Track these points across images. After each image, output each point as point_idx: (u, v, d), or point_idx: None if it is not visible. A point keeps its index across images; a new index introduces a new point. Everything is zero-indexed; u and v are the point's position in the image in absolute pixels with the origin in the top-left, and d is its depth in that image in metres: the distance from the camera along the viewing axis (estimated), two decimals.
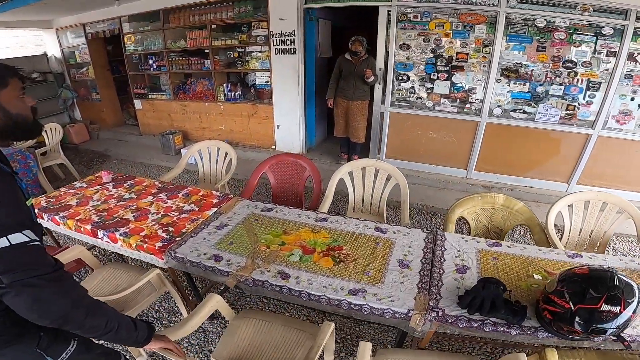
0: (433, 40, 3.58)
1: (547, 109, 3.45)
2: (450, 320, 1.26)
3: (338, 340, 1.96)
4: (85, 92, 6.35)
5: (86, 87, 6.31)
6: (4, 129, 0.89)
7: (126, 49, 5.44)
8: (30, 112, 0.95)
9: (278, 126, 4.79)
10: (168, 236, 1.78)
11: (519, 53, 3.35)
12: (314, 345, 1.26)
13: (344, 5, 3.91)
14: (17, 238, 0.78)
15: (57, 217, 2.00)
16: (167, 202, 2.14)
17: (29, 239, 0.81)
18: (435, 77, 3.70)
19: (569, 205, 2.07)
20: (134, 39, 5.34)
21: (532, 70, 3.37)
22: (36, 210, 2.01)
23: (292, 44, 4.23)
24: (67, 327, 0.86)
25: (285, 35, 4.23)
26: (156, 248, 1.69)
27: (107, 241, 1.86)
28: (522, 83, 3.44)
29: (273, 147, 4.96)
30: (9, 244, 0.77)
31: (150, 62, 5.37)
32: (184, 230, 1.83)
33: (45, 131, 4.22)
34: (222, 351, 1.44)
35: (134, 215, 1.98)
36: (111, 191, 2.32)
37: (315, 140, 5.11)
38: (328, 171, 3.41)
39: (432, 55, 3.63)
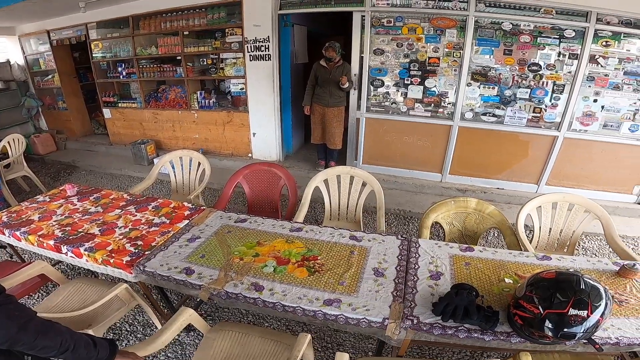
0: (406, 44, 3.64)
1: (515, 112, 3.57)
2: (425, 328, 1.25)
3: (319, 349, 1.94)
4: (51, 100, 6.08)
5: (52, 95, 6.04)
6: None
7: (93, 56, 5.24)
8: None
9: (254, 134, 4.73)
10: (136, 250, 1.71)
11: (488, 57, 3.45)
12: (290, 357, 1.23)
13: (318, 11, 3.93)
14: None
15: (17, 233, 1.90)
16: (135, 215, 2.06)
17: None
18: (409, 82, 3.76)
19: (537, 207, 2.12)
20: (102, 46, 5.16)
21: (500, 74, 3.48)
22: None
23: (267, 50, 4.20)
24: (18, 349, 0.85)
25: (259, 42, 4.19)
26: (124, 262, 1.63)
27: (71, 256, 1.77)
28: (492, 86, 3.54)
29: (249, 155, 4.89)
30: None
31: (120, 69, 5.19)
32: (153, 244, 1.76)
33: (8, 142, 4.01)
34: None
35: (99, 230, 1.89)
36: (76, 205, 2.21)
37: (292, 147, 5.08)
38: (306, 178, 3.37)
39: (406, 60, 3.69)
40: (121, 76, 5.22)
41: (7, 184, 3.70)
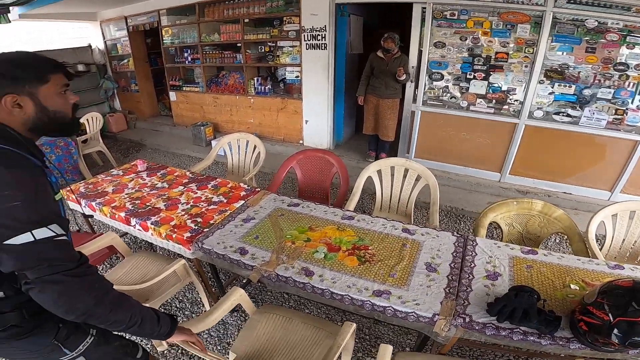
0: (470, 38, 3.43)
1: (593, 113, 3.22)
2: (477, 327, 1.21)
3: (356, 340, 1.94)
4: (125, 83, 6.61)
5: (126, 78, 6.57)
6: (37, 125, 0.87)
7: (164, 41, 5.60)
8: (71, 109, 0.92)
9: (306, 121, 4.79)
10: (196, 227, 1.81)
11: (566, 54, 3.14)
12: (333, 345, 1.24)
13: (376, 2, 3.83)
14: (42, 233, 0.76)
15: (93, 204, 2.07)
16: (196, 193, 2.19)
17: (54, 234, 0.78)
18: (472, 77, 3.55)
19: (612, 215, 1.93)
20: (171, 32, 5.50)
21: (579, 72, 3.15)
22: (74, 196, 2.11)
23: (323, 39, 4.21)
24: (91, 322, 0.86)
25: (316, 31, 4.21)
26: (184, 238, 1.73)
27: (139, 229, 1.91)
28: (568, 85, 3.23)
29: (300, 141, 4.97)
30: (33, 239, 0.75)
31: (186, 54, 5.52)
32: (211, 222, 1.86)
33: (87, 120, 4.45)
34: (241, 345, 1.45)
35: (165, 205, 2.04)
36: (145, 180, 2.40)
37: (343, 136, 5.07)
38: (355, 168, 3.37)
39: (468, 54, 3.49)
40: (186, 61, 5.55)
41: (83, 158, 4.11)
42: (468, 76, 3.56)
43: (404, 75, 3.64)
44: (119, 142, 5.89)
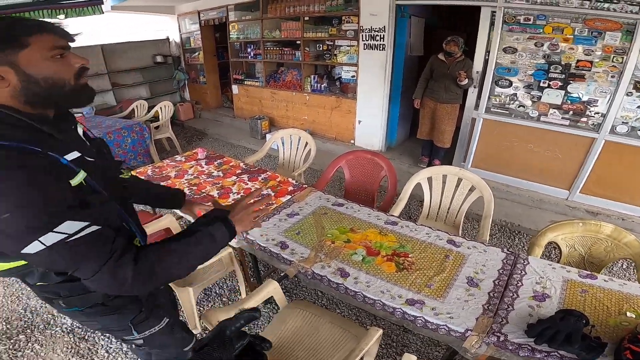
0: (548, 45, 3.14)
1: None
2: (510, 347, 1.15)
3: (382, 346, 1.92)
4: (195, 75, 7.11)
5: (196, 70, 7.05)
6: (30, 96, 0.73)
7: (230, 36, 5.91)
8: (72, 75, 0.77)
9: (359, 121, 4.76)
10: None
11: None
12: (355, 348, 1.24)
13: (440, 4, 3.65)
14: (51, 238, 0.67)
15: None
16: (247, 184, 2.29)
17: (66, 235, 0.69)
18: (546, 85, 3.25)
19: None
20: (237, 27, 5.78)
21: None
22: (143, 177, 2.31)
23: (382, 40, 4.14)
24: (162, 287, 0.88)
25: (375, 31, 4.15)
26: None
27: (194, 214, 2.05)
28: None
29: (352, 141, 4.96)
30: (44, 246, 0.68)
31: (249, 50, 5.77)
32: (258, 214, 1.93)
33: (160, 107, 4.89)
34: (267, 336, 1.48)
35: (218, 193, 2.17)
36: (203, 167, 2.57)
37: (396, 139, 4.95)
38: (406, 173, 3.29)
39: (544, 60, 3.19)
40: (249, 56, 5.81)
41: (154, 143, 4.51)
42: (542, 84, 3.27)
43: (466, 79, 3.45)
44: (185, 130, 6.37)
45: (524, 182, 3.64)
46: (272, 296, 1.54)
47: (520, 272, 1.48)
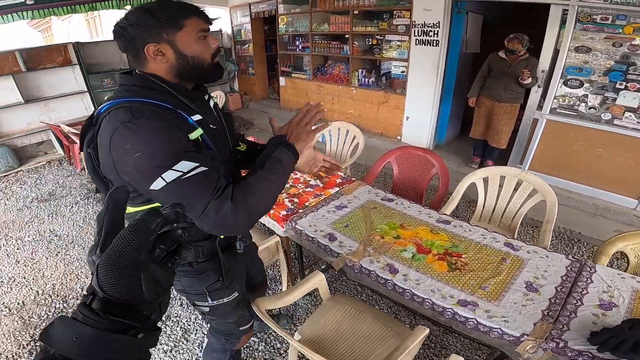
0: (627, 45, 2.85)
1: None
2: (569, 354, 1.08)
3: (421, 346, 1.86)
4: (244, 66, 7.30)
5: (245, 62, 7.23)
6: (181, 71, 0.88)
7: (279, 29, 5.98)
8: (210, 55, 0.91)
9: (407, 117, 4.64)
10: (292, 206, 1.93)
11: None
12: (400, 345, 1.22)
13: (504, 0, 3.42)
14: (170, 175, 0.78)
15: None
16: (296, 174, 2.32)
17: (181, 173, 0.78)
18: (622, 87, 2.95)
19: None
20: (286, 20, 5.83)
21: None
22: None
23: (435, 35, 3.98)
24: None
25: (428, 27, 4.00)
26: (280, 216, 1.85)
27: None
28: None
29: (398, 137, 4.85)
30: (165, 183, 0.78)
31: (297, 42, 5.81)
32: (307, 204, 1.95)
33: (214, 97, 5.09)
34: (308, 328, 1.51)
35: None
36: None
37: (445, 137, 4.77)
38: (455, 172, 3.16)
39: (622, 61, 2.90)
40: (297, 49, 5.85)
41: None
42: (618, 86, 2.97)
43: (529, 78, 3.23)
44: (233, 120, 6.58)
45: (588, 188, 3.35)
46: (315, 288, 1.55)
47: (586, 279, 1.39)
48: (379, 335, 1.45)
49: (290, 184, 2.19)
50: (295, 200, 2.00)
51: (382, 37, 4.63)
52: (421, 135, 4.56)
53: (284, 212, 1.87)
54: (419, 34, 4.12)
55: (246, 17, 6.56)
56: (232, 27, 7.05)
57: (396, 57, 4.53)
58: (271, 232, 1.98)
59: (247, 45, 6.98)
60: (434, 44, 4.03)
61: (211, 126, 0.95)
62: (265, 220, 1.96)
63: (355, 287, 2.31)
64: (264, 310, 1.29)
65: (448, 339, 1.94)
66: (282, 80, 6.35)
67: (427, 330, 1.28)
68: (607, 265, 1.61)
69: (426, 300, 1.33)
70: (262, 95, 7.31)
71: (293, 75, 6.13)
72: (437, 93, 4.26)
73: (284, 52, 6.19)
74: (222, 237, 1.10)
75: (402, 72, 4.55)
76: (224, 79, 7.36)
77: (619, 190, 3.20)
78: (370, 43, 4.87)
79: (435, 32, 3.97)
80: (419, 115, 4.49)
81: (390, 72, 4.82)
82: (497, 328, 1.19)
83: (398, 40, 4.44)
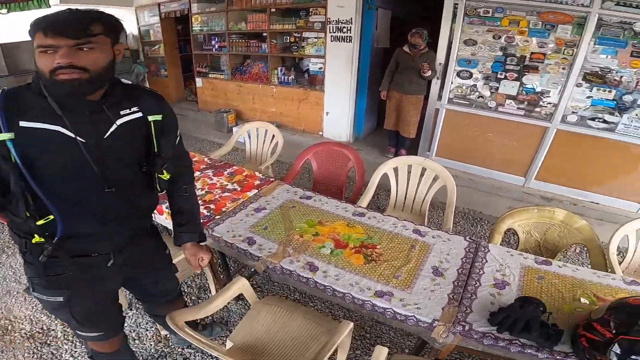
0: (505, 37, 3.28)
1: (632, 120, 3.02)
2: (475, 336, 1.18)
3: (356, 338, 1.93)
4: (155, 68, 6.79)
5: (156, 63, 6.74)
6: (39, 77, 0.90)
7: (193, 29, 5.69)
8: (48, 71, 0.84)
9: (327, 113, 4.76)
10: (209, 213, 1.84)
11: (609, 57, 2.95)
12: (327, 342, 1.23)
13: None
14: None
15: None
16: (212, 179, 2.22)
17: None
18: (503, 77, 3.40)
19: (638, 229, 1.81)
20: (201, 20, 5.57)
21: (621, 77, 2.95)
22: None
23: (349, 32, 4.15)
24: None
25: (342, 23, 4.15)
26: None
27: (155, 212, 1.95)
28: (608, 89, 3.03)
29: (320, 133, 4.96)
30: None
31: (213, 42, 5.59)
32: (224, 209, 1.88)
33: None
34: (238, 334, 1.47)
35: None
36: None
37: (363, 130, 5.00)
38: (373, 164, 3.32)
39: (501, 53, 3.34)
40: (214, 49, 5.63)
41: None
42: (499, 76, 3.41)
43: (429, 71, 3.54)
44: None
45: (485, 170, 3.80)
46: (242, 293, 1.50)
47: (481, 259, 1.53)
48: (311, 334, 1.45)
49: (206, 190, 2.09)
50: (212, 206, 1.91)
51: (299, 35, 4.67)
52: (341, 129, 4.73)
53: (200, 220, 1.77)
54: (334, 31, 4.25)
55: (155, 17, 6.14)
56: (139, 27, 6.56)
57: (314, 54, 4.61)
58: None
59: (157, 46, 6.51)
60: (348, 40, 4.20)
61: (80, 139, 0.92)
62: None
63: (288, 287, 2.30)
64: (182, 324, 1.20)
65: (381, 329, 2.02)
66: (199, 81, 6.04)
67: (352, 324, 1.31)
68: (505, 243, 1.82)
69: (346, 294, 1.36)
70: (177, 97, 6.88)
71: (210, 75, 5.88)
72: (352, 88, 4.44)
73: (200, 52, 5.91)
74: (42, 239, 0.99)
75: (320, 68, 4.65)
76: (132, 82, 6.73)
77: (509, 170, 3.70)
78: (288, 41, 4.88)
79: (349, 28, 4.12)
80: (338, 111, 4.65)
81: (309, 69, 4.89)
82: (412, 316, 1.26)
83: (315, 37, 4.52)
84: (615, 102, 3.03)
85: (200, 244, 1.39)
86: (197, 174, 2.29)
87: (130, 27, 6.58)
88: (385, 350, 1.19)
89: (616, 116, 3.07)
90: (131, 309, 2.11)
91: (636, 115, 2.99)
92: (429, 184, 2.26)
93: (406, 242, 1.65)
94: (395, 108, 3.98)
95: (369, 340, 1.94)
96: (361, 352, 1.87)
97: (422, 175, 2.29)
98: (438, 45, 3.63)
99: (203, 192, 2.06)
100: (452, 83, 3.65)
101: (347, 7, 4.03)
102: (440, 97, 3.77)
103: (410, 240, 1.66)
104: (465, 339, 1.19)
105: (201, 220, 1.43)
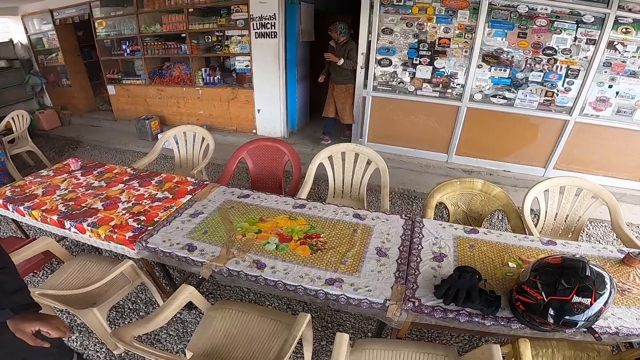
0: (416, 24, 3.53)
1: (526, 95, 3.47)
2: (426, 311, 1.24)
3: (319, 329, 1.95)
4: (55, 78, 6.04)
5: (56, 73, 6.00)
6: None
7: (97, 34, 5.18)
8: None
9: (259, 110, 4.69)
10: (139, 225, 1.70)
11: (501, 39, 3.34)
12: (288, 337, 1.23)
13: None
14: None
15: (21, 208, 1.89)
16: (139, 190, 2.05)
17: None
18: (418, 62, 3.66)
19: (545, 191, 2.07)
20: (106, 24, 5.10)
21: (512, 57, 3.37)
22: (0, 201, 1.94)
23: (273, 27, 4.11)
24: None
25: (265, 19, 4.11)
26: (126, 238, 1.62)
27: (74, 232, 1.77)
28: (503, 69, 3.44)
29: (254, 131, 4.86)
30: None
31: (124, 47, 5.14)
32: (156, 219, 1.75)
33: (12, 118, 4.01)
34: (197, 343, 1.40)
35: (103, 205, 1.89)
36: (79, 179, 2.20)
37: (297, 124, 5.03)
38: (310, 155, 3.33)
39: (415, 40, 3.59)
40: (125, 54, 5.18)
41: (12, 158, 3.70)
42: (415, 62, 3.67)
43: (340, 60, 3.82)
44: (53, 140, 5.36)
45: (412, 150, 4.09)
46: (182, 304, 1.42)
47: (418, 235, 1.62)
48: (271, 332, 1.43)
49: (133, 202, 1.92)
50: (142, 218, 1.76)
51: (222, 33, 4.51)
52: (274, 125, 4.69)
53: (130, 234, 1.64)
54: (258, 27, 4.18)
55: (48, 24, 5.48)
56: (29, 36, 5.82)
57: (239, 51, 4.49)
58: (123, 257, 1.71)
59: (54, 55, 5.79)
60: (273, 36, 4.16)
61: None
62: (109, 246, 1.70)
63: (241, 289, 2.22)
64: (129, 339, 1.12)
65: (341, 316, 2.04)
66: (112, 89, 5.51)
67: (309, 316, 1.31)
68: (438, 217, 1.95)
69: (298, 287, 1.36)
70: (87, 107, 6.19)
71: (124, 81, 5.38)
72: (282, 83, 4.42)
73: (108, 58, 5.39)
74: None
75: (247, 66, 4.54)
76: (28, 94, 5.91)
77: (433, 148, 4.02)
78: (210, 40, 4.67)
79: (273, 23, 4.09)
80: (270, 107, 4.60)
81: (235, 67, 4.74)
82: (364, 299, 1.29)
83: (239, 35, 4.41)
84: (510, 80, 3.46)
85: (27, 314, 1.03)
86: (120, 186, 2.10)
87: (18, 36, 5.85)
88: (346, 336, 1.20)
89: (513, 92, 3.50)
90: (74, 332, 1.95)
91: (529, 90, 3.44)
92: (363, 168, 2.35)
93: (348, 227, 1.69)
94: (332, 97, 4.21)
95: (332, 329, 1.96)
96: (327, 342, 1.89)
97: (355, 161, 2.37)
98: (359, 35, 3.78)
99: (130, 204, 1.90)
100: (375, 71, 3.84)
101: (270, 3, 3.99)
102: (365, 85, 3.95)
103: (352, 225, 1.71)
104: (418, 314, 1.24)
105: (20, 287, 1.06)
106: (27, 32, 5.79)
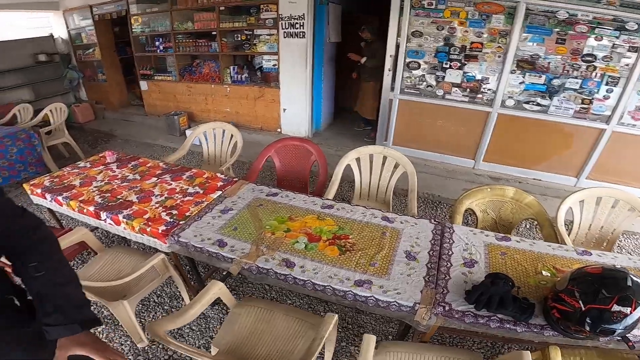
0: (447, 28, 3.47)
1: (561, 102, 3.35)
2: (456, 316, 1.23)
3: (339, 330, 1.95)
4: (92, 72, 6.28)
5: (92, 68, 6.24)
6: None
7: (133, 30, 5.36)
8: None
9: (284, 109, 4.74)
10: (172, 219, 1.75)
11: (537, 45, 3.24)
12: (316, 337, 1.23)
13: None
14: None
15: (60, 198, 1.97)
16: (171, 184, 2.11)
17: None
18: (447, 66, 3.60)
19: (580, 201, 2.00)
20: (141, 21, 5.26)
21: (549, 63, 3.26)
22: (39, 190, 2.03)
23: (301, 27, 4.15)
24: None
25: (294, 19, 4.15)
26: (159, 232, 1.67)
27: (110, 223, 1.83)
28: (538, 75, 3.33)
29: (278, 130, 4.92)
30: None
31: (157, 43, 5.31)
32: (187, 214, 1.80)
33: (50, 110, 4.21)
34: (222, 339, 1.43)
35: (137, 197, 1.96)
36: (115, 172, 2.29)
37: (321, 124, 5.05)
38: (334, 156, 3.37)
39: (444, 43, 3.53)
40: (158, 50, 5.34)
41: (48, 149, 3.88)
42: (444, 65, 3.61)
43: (363, 58, 4.04)
44: (87, 133, 5.60)
45: (438, 155, 4.02)
46: (219, 297, 1.45)
47: (449, 240, 1.61)
48: (296, 330, 1.44)
49: (166, 195, 1.98)
50: (174, 212, 1.82)
51: (251, 32, 4.59)
52: (299, 125, 4.73)
53: (163, 227, 1.69)
54: (286, 27, 4.23)
55: (87, 19, 5.68)
56: (69, 31, 6.05)
57: (267, 51, 4.55)
58: (155, 250, 1.76)
59: (91, 50, 6.02)
60: (301, 36, 4.20)
61: None
62: (143, 239, 1.75)
63: (263, 286, 2.25)
64: (163, 333, 1.15)
65: (363, 318, 2.04)
66: (144, 85, 5.69)
67: (336, 316, 1.31)
68: (463, 223, 1.92)
69: (327, 287, 1.36)
70: (120, 102, 6.41)
71: (156, 77, 5.57)
72: (308, 83, 4.46)
73: (142, 54, 5.58)
74: None
75: (274, 65, 4.60)
76: (65, 88, 6.18)
77: (460, 153, 3.94)
78: (239, 39, 4.76)
79: (301, 23, 4.13)
80: (295, 106, 4.64)
81: (262, 66, 4.81)
82: (394, 301, 1.29)
83: (267, 34, 4.47)
84: (545, 86, 3.35)
85: (85, 333, 0.93)
86: (153, 180, 2.17)
87: (59, 31, 6.09)
88: (374, 337, 1.20)
89: (547, 99, 3.39)
90: (100, 324, 1.96)
91: (564, 97, 3.32)
92: (390, 171, 2.34)
93: (377, 229, 1.69)
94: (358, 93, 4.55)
95: (352, 330, 1.96)
96: (346, 343, 1.89)
97: (383, 164, 2.36)
98: (388, 37, 3.75)
99: (163, 197, 1.96)
100: (403, 74, 3.80)
101: (299, 3, 4.03)
102: (392, 88, 3.91)
103: (381, 228, 1.70)
104: (448, 319, 1.23)
105: (85, 302, 0.99)
106: (67, 27, 6.01)
